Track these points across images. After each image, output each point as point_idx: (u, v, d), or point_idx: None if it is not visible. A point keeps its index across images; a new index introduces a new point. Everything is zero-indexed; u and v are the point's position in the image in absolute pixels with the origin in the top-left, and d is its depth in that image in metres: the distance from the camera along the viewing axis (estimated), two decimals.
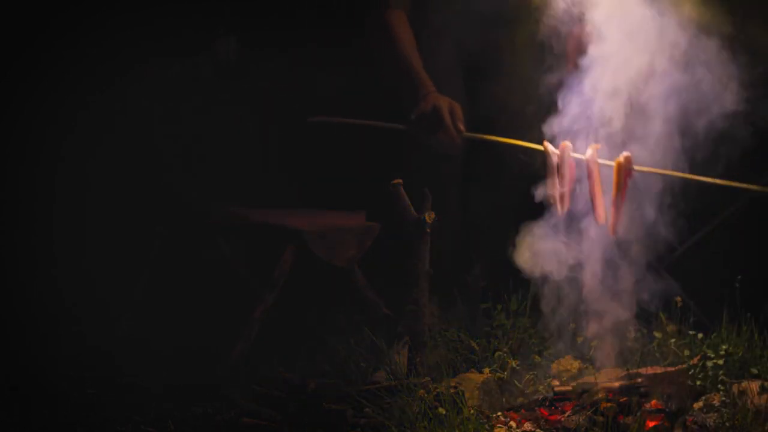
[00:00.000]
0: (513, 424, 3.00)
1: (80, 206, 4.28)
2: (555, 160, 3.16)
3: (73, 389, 3.40)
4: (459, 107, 3.42)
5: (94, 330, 3.94)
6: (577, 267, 3.35)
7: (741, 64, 3.17)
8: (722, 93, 3.20)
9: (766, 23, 3.26)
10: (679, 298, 3.42)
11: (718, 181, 2.94)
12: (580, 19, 3.29)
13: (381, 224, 3.95)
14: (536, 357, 3.41)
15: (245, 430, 2.98)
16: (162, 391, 3.34)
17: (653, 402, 3.05)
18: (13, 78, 4.26)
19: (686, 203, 3.34)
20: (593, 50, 3.19)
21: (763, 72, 3.24)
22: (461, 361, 3.38)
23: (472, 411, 2.94)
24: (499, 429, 2.96)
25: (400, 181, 3.23)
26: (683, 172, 3.19)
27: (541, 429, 2.96)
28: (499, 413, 3.07)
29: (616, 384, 3.08)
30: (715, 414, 2.99)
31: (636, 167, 2.99)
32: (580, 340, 3.42)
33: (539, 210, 3.34)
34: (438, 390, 2.97)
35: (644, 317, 3.42)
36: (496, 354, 3.39)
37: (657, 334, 3.39)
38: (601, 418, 2.85)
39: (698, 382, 3.17)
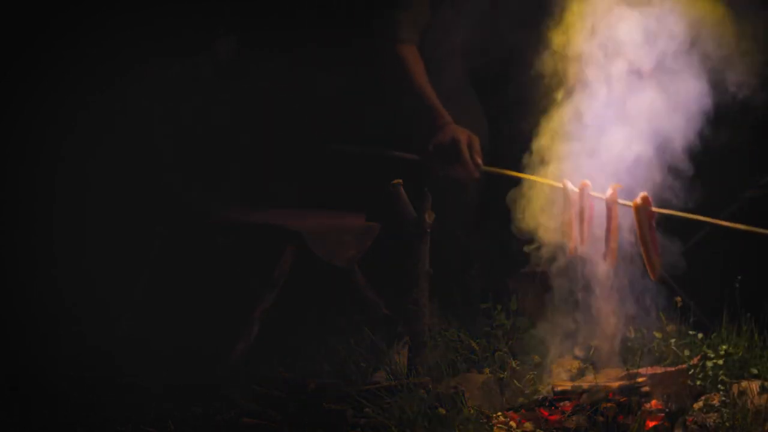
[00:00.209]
0: (513, 424, 3.00)
1: (80, 206, 4.28)
2: (574, 198, 3.13)
3: (73, 389, 3.40)
4: (477, 140, 3.37)
5: (94, 330, 3.94)
6: (577, 267, 3.36)
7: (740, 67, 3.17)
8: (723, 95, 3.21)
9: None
10: (679, 298, 3.42)
11: (739, 226, 2.91)
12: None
13: (381, 224, 3.96)
14: (536, 357, 3.41)
15: (245, 430, 2.98)
16: (162, 391, 3.34)
17: (653, 402, 3.05)
18: (13, 78, 4.26)
19: (686, 203, 3.35)
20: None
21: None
22: (461, 361, 3.38)
23: (472, 411, 2.94)
24: (499, 429, 2.96)
25: (400, 181, 3.23)
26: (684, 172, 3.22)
27: (541, 429, 2.96)
28: (499, 413, 3.07)
29: (616, 384, 3.08)
30: (715, 414, 2.99)
31: (655, 209, 2.96)
32: (580, 340, 3.43)
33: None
34: (438, 390, 2.97)
35: (644, 317, 3.42)
36: (496, 354, 3.38)
37: (657, 334, 3.38)
38: (601, 418, 2.85)
39: (698, 382, 3.17)
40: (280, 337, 3.84)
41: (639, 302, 3.38)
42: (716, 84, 3.24)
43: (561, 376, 3.31)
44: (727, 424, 2.87)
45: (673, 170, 3.39)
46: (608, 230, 3.05)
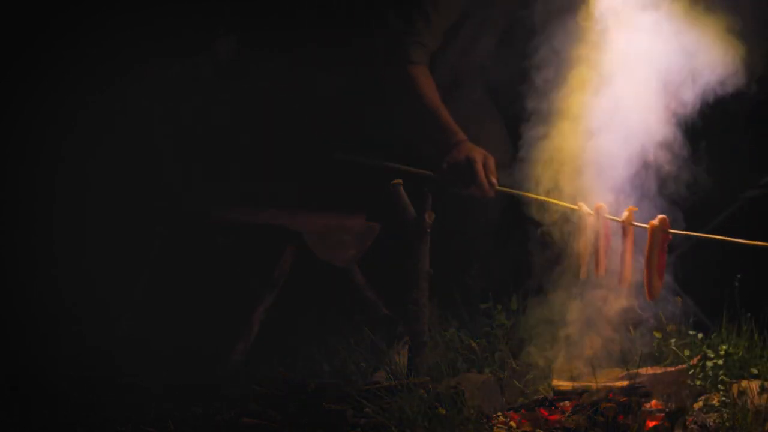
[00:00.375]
0: (513, 424, 3.00)
1: (80, 206, 4.27)
2: (589, 221, 3.11)
3: (73, 389, 3.40)
4: (493, 159, 3.34)
5: (94, 330, 3.94)
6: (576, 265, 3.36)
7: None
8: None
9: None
10: (679, 298, 3.42)
11: (759, 243, 2.90)
12: None
13: (381, 224, 3.95)
14: (536, 357, 3.41)
15: (245, 430, 2.98)
16: (162, 391, 3.34)
17: (653, 402, 3.05)
18: (13, 78, 4.26)
19: (686, 203, 3.35)
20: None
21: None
22: (461, 361, 3.38)
23: (472, 411, 2.94)
24: (499, 429, 2.96)
25: (400, 181, 3.23)
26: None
27: (541, 429, 2.96)
28: (499, 413, 3.07)
29: (616, 384, 3.08)
30: (715, 414, 2.99)
31: (671, 230, 2.95)
32: (580, 340, 3.43)
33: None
34: (438, 390, 2.97)
35: (644, 317, 3.42)
36: (496, 354, 3.38)
37: (657, 334, 3.38)
38: (601, 418, 2.85)
39: (698, 382, 3.17)
40: (280, 337, 3.83)
41: (639, 302, 3.38)
42: (716, 84, 3.25)
43: (561, 376, 3.31)
44: (727, 424, 2.87)
45: (673, 171, 3.40)
46: (623, 252, 3.03)
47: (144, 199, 4.28)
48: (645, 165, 3.30)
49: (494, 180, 3.30)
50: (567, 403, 3.09)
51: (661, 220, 2.94)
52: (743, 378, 3.13)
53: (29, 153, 4.27)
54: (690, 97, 3.30)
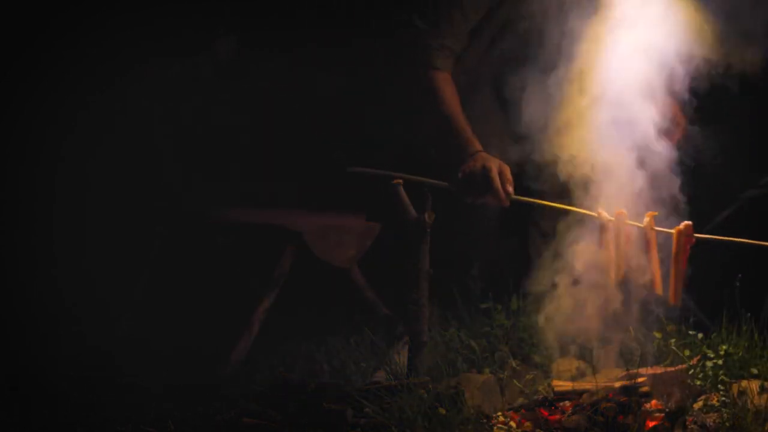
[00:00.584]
0: (513, 424, 3.00)
1: (80, 206, 4.28)
2: (609, 227, 3.10)
3: (73, 389, 3.40)
4: (508, 168, 3.30)
5: (94, 330, 3.94)
6: (579, 265, 3.36)
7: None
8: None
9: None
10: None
11: None
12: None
13: (381, 224, 3.96)
14: (536, 357, 3.41)
15: (245, 430, 2.98)
16: (162, 391, 3.34)
17: (653, 402, 3.05)
18: (13, 78, 4.26)
19: (686, 203, 3.35)
20: None
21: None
22: (461, 361, 3.38)
23: (472, 411, 2.94)
24: (499, 429, 2.96)
25: (400, 181, 3.23)
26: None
27: (541, 429, 2.96)
28: (499, 413, 3.07)
29: (616, 384, 3.08)
30: (715, 414, 2.99)
31: (696, 235, 2.95)
32: (580, 340, 3.43)
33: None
34: (438, 390, 2.97)
35: (645, 317, 3.42)
36: (496, 354, 3.38)
37: (657, 334, 3.39)
38: (601, 418, 2.85)
39: (698, 382, 3.16)
40: (280, 337, 3.84)
41: (639, 302, 3.38)
42: (715, 84, 3.25)
43: (561, 376, 3.31)
44: (727, 424, 2.87)
45: (673, 172, 3.41)
46: (649, 259, 3.03)
47: (144, 199, 4.28)
48: (645, 166, 3.31)
49: (510, 189, 3.26)
50: (567, 403, 3.09)
51: (686, 226, 2.94)
52: (743, 378, 3.13)
53: (29, 153, 4.27)
54: (690, 97, 3.31)
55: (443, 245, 3.50)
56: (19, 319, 3.94)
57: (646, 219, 3.04)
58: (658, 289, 3.09)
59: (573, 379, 3.29)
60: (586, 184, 3.29)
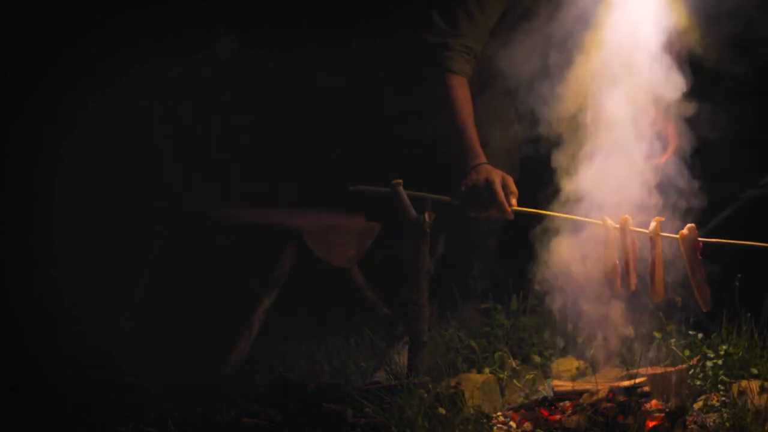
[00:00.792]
0: (513, 424, 3.00)
1: (80, 206, 4.28)
2: (614, 234, 3.10)
3: (73, 389, 3.40)
4: (511, 180, 3.26)
5: (94, 330, 3.94)
6: (578, 267, 3.36)
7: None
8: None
9: None
10: (679, 298, 3.42)
11: None
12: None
13: (381, 224, 3.95)
14: (536, 357, 3.41)
15: (245, 430, 2.98)
16: (162, 391, 3.34)
17: (653, 402, 3.05)
18: (13, 78, 4.26)
19: (685, 204, 3.35)
20: None
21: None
22: (461, 361, 3.38)
23: (472, 411, 2.94)
24: (499, 429, 2.96)
25: (400, 181, 3.23)
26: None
27: (541, 429, 2.96)
28: (499, 413, 3.08)
29: (616, 384, 3.08)
30: (715, 414, 2.99)
31: (701, 239, 2.95)
32: (580, 340, 3.43)
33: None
34: (438, 390, 2.97)
35: (645, 317, 3.42)
36: (496, 354, 3.38)
37: (657, 334, 3.39)
38: (601, 418, 2.85)
39: (698, 382, 3.16)
40: (280, 337, 3.84)
41: (640, 302, 3.38)
42: (714, 85, 3.25)
43: (561, 376, 3.31)
44: (727, 424, 2.87)
45: (673, 172, 3.41)
46: (652, 265, 3.02)
47: (144, 199, 4.28)
48: (644, 167, 3.31)
49: (514, 201, 3.23)
50: (567, 403, 3.09)
51: (690, 229, 2.93)
52: (743, 378, 3.13)
53: (29, 153, 4.27)
54: (689, 97, 3.31)
55: (443, 244, 3.51)
56: (19, 319, 3.94)
57: (653, 224, 3.03)
58: (659, 296, 3.07)
59: (573, 379, 3.29)
60: (589, 190, 3.29)
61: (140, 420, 3.10)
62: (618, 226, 3.08)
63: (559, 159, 3.36)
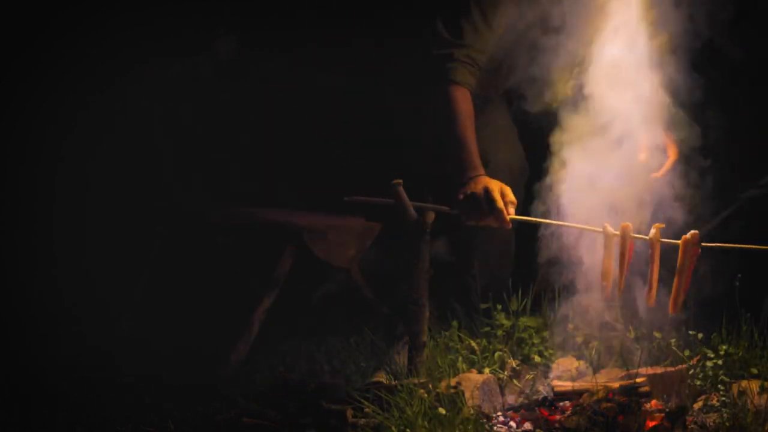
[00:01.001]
0: (513, 424, 3.00)
1: (80, 206, 4.28)
2: (614, 241, 3.10)
3: (73, 389, 3.40)
4: (510, 190, 3.25)
5: (94, 330, 3.94)
6: (578, 267, 3.36)
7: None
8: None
9: None
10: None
11: None
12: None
13: (381, 224, 3.95)
14: (536, 357, 3.41)
15: (245, 430, 2.98)
16: (162, 391, 3.34)
17: (653, 402, 3.05)
18: (13, 78, 4.26)
19: (686, 204, 3.35)
20: None
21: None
22: (461, 361, 3.38)
23: (472, 411, 2.94)
24: (499, 429, 2.96)
25: (400, 181, 3.23)
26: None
27: (541, 429, 2.96)
28: (499, 413, 3.08)
29: (616, 384, 3.08)
30: (715, 414, 2.99)
31: (703, 244, 2.94)
32: (580, 340, 3.43)
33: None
34: (438, 390, 2.97)
35: (645, 318, 3.42)
36: (496, 354, 3.38)
37: (657, 334, 3.39)
38: (601, 418, 2.85)
39: (698, 382, 3.16)
40: (280, 337, 3.84)
41: (639, 302, 3.38)
42: (714, 85, 3.26)
43: (561, 376, 3.31)
44: (727, 424, 2.87)
45: (674, 173, 3.41)
46: (651, 270, 3.02)
47: (144, 199, 4.28)
48: (644, 168, 3.32)
49: (512, 210, 3.22)
50: (567, 403, 3.09)
51: (693, 235, 2.94)
52: (743, 378, 3.13)
53: (29, 153, 4.28)
54: (689, 97, 3.31)
55: (443, 244, 3.51)
56: (19, 319, 3.94)
57: (653, 231, 3.03)
58: (652, 301, 3.07)
59: (573, 379, 3.29)
60: (588, 197, 3.29)
61: (140, 420, 3.10)
62: (618, 233, 3.08)
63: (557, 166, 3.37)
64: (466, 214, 3.23)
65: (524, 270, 3.66)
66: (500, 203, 3.16)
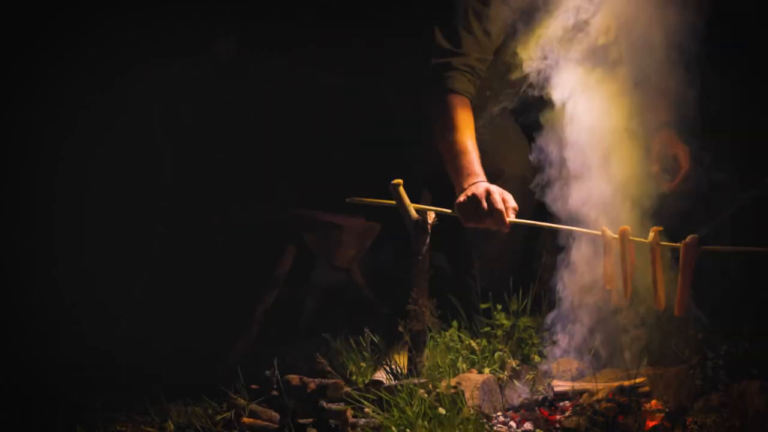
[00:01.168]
0: (513, 424, 3.00)
1: (80, 206, 4.28)
2: (613, 245, 3.09)
3: (73, 389, 3.40)
4: (511, 196, 3.22)
5: (94, 330, 3.94)
6: (578, 267, 3.36)
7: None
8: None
9: None
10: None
11: None
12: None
13: (381, 224, 3.96)
14: (536, 357, 3.41)
15: (245, 430, 2.98)
16: (162, 391, 3.34)
17: (653, 402, 3.05)
18: (13, 78, 4.26)
19: (686, 203, 3.35)
20: None
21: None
22: (461, 361, 3.38)
23: (472, 411, 2.94)
24: (499, 429, 2.96)
25: (401, 181, 3.23)
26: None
27: (541, 429, 2.96)
28: (499, 413, 3.08)
29: (616, 384, 3.08)
30: (715, 414, 2.98)
31: (705, 247, 2.94)
32: (580, 340, 3.43)
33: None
34: (438, 390, 2.97)
35: (646, 318, 3.42)
36: (496, 354, 3.38)
37: (657, 334, 3.38)
38: (601, 418, 2.85)
39: (698, 382, 3.16)
40: (280, 337, 3.84)
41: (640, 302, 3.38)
42: (714, 85, 3.26)
43: (561, 376, 3.31)
44: (727, 424, 2.87)
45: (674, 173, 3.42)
46: (654, 274, 3.01)
47: (144, 199, 4.28)
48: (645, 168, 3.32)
49: (512, 215, 3.22)
50: (567, 403, 3.09)
51: (692, 239, 2.93)
52: (743, 378, 3.13)
53: (29, 153, 4.28)
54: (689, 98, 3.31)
55: (443, 244, 3.50)
56: (19, 319, 3.95)
57: (651, 234, 3.02)
58: (661, 306, 3.07)
59: (573, 379, 3.29)
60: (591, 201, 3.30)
61: (140, 420, 3.10)
62: (617, 236, 3.08)
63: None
64: (466, 215, 3.23)
65: (524, 270, 3.65)
66: (500, 205, 3.16)
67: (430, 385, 3.03)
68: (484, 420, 2.96)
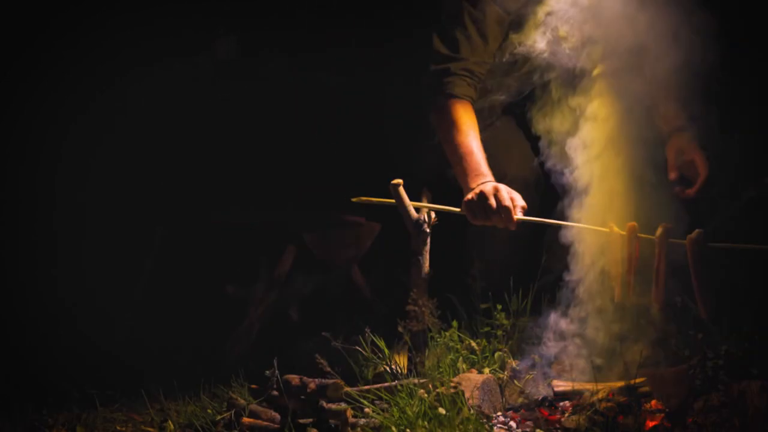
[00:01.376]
0: (513, 424, 3.00)
1: (80, 206, 4.28)
2: (621, 242, 3.09)
3: (73, 389, 3.40)
4: (519, 195, 3.25)
5: (94, 330, 3.94)
6: (578, 267, 3.36)
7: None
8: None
9: None
10: (679, 298, 3.41)
11: None
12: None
13: (381, 224, 3.96)
14: (536, 357, 3.41)
15: (245, 430, 2.98)
16: (162, 390, 3.34)
17: (653, 402, 3.04)
18: (13, 78, 4.26)
19: (685, 203, 3.35)
20: None
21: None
22: (461, 361, 3.38)
23: (472, 411, 2.94)
24: (499, 429, 2.96)
25: (401, 181, 3.23)
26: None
27: (541, 429, 2.96)
28: (499, 413, 3.07)
29: (616, 384, 3.08)
30: (715, 414, 2.98)
31: (712, 244, 2.94)
32: (580, 340, 3.42)
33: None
34: (438, 390, 2.97)
35: (646, 318, 3.42)
36: (496, 354, 3.38)
37: (657, 334, 3.38)
38: (601, 418, 2.85)
39: (698, 382, 3.16)
40: (281, 336, 3.84)
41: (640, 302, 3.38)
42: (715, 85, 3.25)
43: (561, 376, 3.31)
44: (727, 424, 2.86)
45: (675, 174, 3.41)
46: (657, 270, 3.01)
47: (144, 199, 4.28)
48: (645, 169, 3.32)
49: (519, 213, 3.23)
50: (567, 403, 3.09)
51: (698, 234, 2.93)
52: (743, 378, 3.13)
53: (29, 153, 4.28)
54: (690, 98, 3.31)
55: (443, 244, 3.49)
56: (19, 318, 3.95)
57: (659, 231, 3.02)
58: (659, 303, 3.07)
59: (573, 379, 3.29)
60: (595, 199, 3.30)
61: (140, 420, 3.10)
62: (624, 232, 3.08)
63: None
64: (474, 212, 3.24)
65: (524, 270, 3.65)
66: (507, 201, 3.18)
67: (430, 385, 3.03)
68: (484, 420, 2.96)
